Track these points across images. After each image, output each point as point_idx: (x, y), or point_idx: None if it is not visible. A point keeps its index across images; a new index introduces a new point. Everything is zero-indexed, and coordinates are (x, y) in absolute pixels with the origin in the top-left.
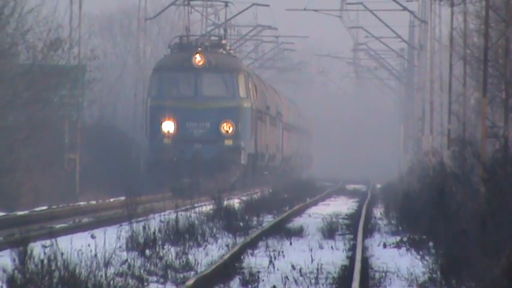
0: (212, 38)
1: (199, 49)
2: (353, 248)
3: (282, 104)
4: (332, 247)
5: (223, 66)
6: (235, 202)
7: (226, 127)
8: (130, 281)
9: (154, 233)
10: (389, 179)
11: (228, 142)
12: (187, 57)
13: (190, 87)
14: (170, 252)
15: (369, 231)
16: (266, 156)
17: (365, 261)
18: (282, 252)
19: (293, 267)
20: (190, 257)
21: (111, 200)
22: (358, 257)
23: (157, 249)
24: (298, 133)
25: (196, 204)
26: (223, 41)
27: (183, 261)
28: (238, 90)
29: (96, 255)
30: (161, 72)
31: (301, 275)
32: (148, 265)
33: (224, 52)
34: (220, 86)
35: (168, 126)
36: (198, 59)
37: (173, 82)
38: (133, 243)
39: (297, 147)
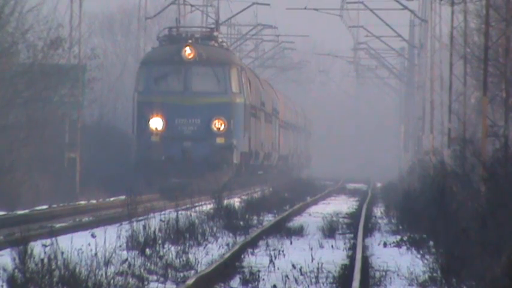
0: (203, 29)
1: (190, 41)
2: (353, 247)
3: (278, 101)
4: (332, 246)
5: (214, 59)
6: (236, 201)
7: (218, 124)
8: (130, 280)
9: (154, 232)
10: (389, 178)
11: (220, 140)
12: (177, 49)
13: (179, 82)
14: (170, 252)
15: (369, 231)
16: (261, 155)
17: (365, 261)
18: (283, 251)
19: (293, 266)
20: (191, 256)
21: (111, 199)
22: (359, 256)
23: (157, 248)
24: (296, 131)
25: (196, 204)
26: (215, 33)
27: (183, 260)
28: (231, 85)
29: (96, 254)
30: (149, 65)
31: (301, 274)
32: (149, 264)
33: (216, 44)
34: (211, 81)
35: (156, 123)
36: (188, 51)
37: (161, 76)
38: (133, 242)
39: (294, 146)
